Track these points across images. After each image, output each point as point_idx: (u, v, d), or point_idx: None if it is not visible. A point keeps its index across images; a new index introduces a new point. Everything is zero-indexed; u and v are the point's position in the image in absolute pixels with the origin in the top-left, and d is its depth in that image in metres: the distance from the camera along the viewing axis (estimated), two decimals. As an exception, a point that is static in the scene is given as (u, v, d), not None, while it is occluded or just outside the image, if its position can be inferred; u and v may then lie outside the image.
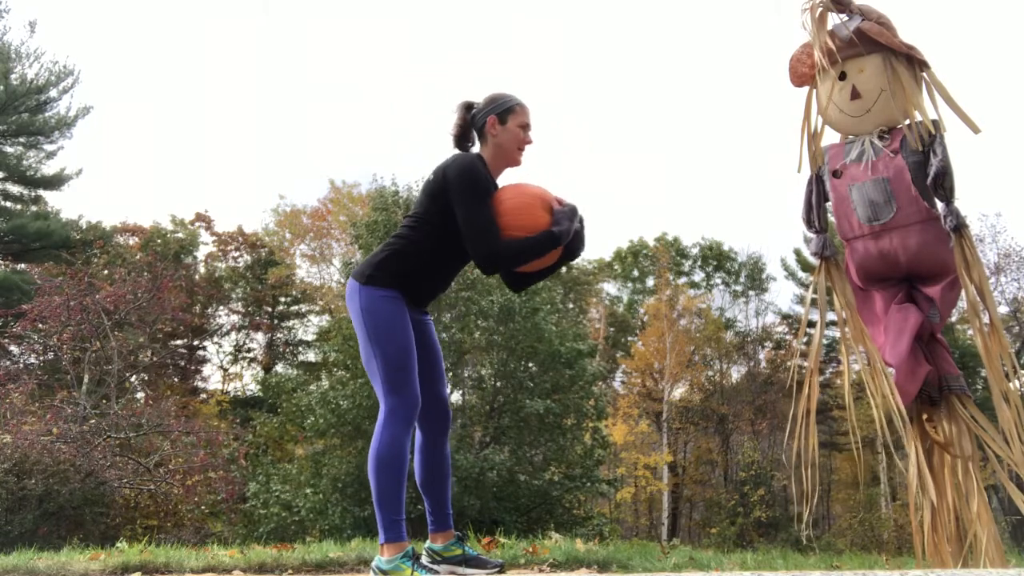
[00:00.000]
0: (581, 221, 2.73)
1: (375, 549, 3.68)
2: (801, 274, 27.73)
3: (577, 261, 29.61)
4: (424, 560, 2.70)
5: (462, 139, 2.84)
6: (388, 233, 14.36)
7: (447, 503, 2.81)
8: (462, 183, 2.62)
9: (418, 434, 2.79)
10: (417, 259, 2.69)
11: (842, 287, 3.55)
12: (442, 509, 2.79)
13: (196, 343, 24.13)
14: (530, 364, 14.37)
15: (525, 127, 2.80)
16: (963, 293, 3.27)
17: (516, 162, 2.82)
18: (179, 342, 23.48)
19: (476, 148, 2.85)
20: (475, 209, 2.60)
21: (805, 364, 3.59)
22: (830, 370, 24.58)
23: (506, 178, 2.85)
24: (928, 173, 3.25)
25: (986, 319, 3.24)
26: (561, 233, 2.63)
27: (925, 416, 3.40)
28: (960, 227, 3.21)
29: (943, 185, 3.21)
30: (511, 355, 14.04)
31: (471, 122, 2.82)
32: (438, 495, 2.79)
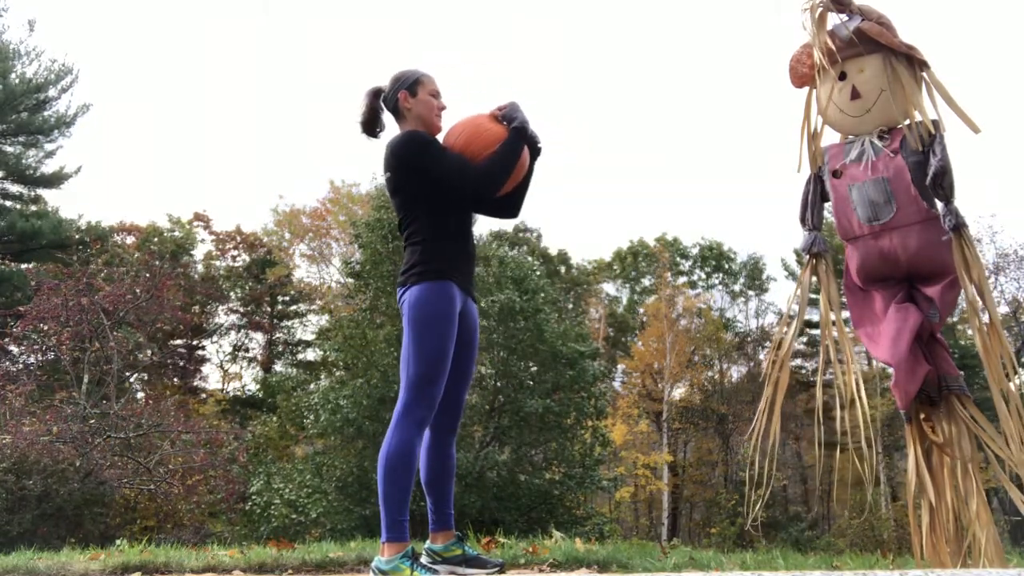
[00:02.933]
0: (520, 108, 2.82)
1: (375, 549, 3.67)
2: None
3: (577, 260, 29.55)
4: (424, 560, 2.70)
5: (371, 124, 2.90)
6: (390, 231, 14.37)
7: (449, 503, 2.81)
8: (413, 148, 2.70)
9: (427, 432, 2.79)
10: (439, 239, 2.70)
11: (828, 286, 3.57)
12: (444, 508, 2.79)
13: (195, 343, 24.12)
14: (531, 364, 14.38)
15: (436, 94, 2.88)
16: (963, 292, 3.28)
17: (437, 128, 2.87)
18: (178, 341, 23.48)
19: (394, 131, 2.88)
20: (438, 160, 2.68)
21: (805, 364, 3.59)
22: (831, 370, 24.59)
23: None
24: (928, 173, 3.25)
25: (986, 319, 3.24)
26: (523, 123, 2.74)
27: (923, 416, 3.41)
28: (960, 226, 3.22)
29: (942, 184, 3.21)
30: (511, 354, 14.05)
31: (382, 106, 2.88)
32: (441, 494, 2.80)
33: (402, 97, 2.83)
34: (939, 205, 3.28)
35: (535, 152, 2.89)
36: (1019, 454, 3.07)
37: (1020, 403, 3.14)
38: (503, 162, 2.70)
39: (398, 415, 2.59)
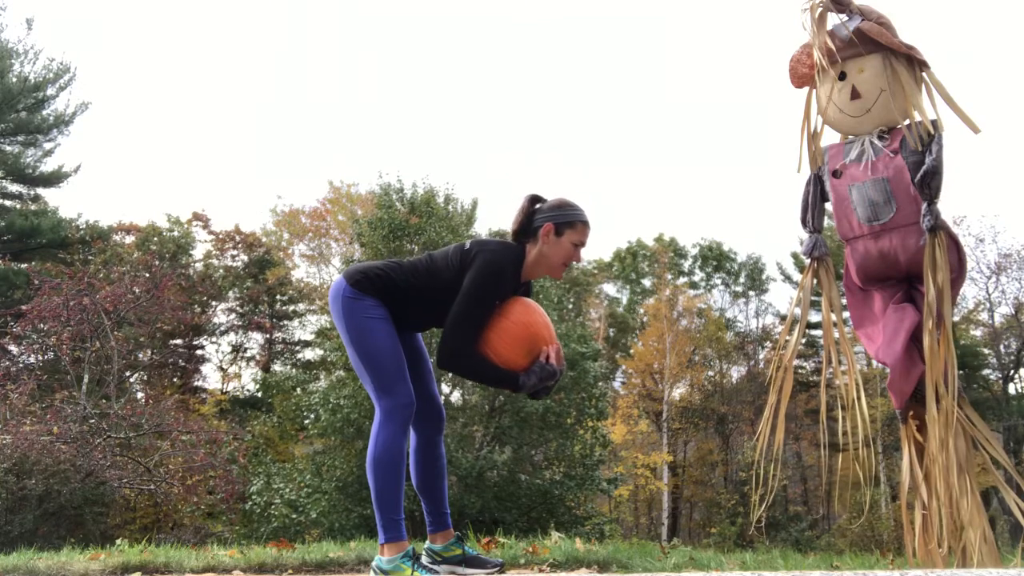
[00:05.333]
0: (556, 380, 2.66)
1: (375, 549, 3.67)
2: (797, 277, 27.77)
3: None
4: (424, 560, 2.70)
5: (522, 234, 2.73)
6: (392, 231, 14.37)
7: (444, 503, 2.81)
8: (480, 278, 2.57)
9: (412, 435, 2.79)
10: (406, 296, 2.67)
11: (829, 289, 3.58)
12: (440, 509, 2.80)
13: (195, 343, 24.11)
14: (531, 364, 14.35)
15: (579, 245, 2.70)
16: (943, 295, 3.29)
17: (557, 276, 2.75)
18: (178, 341, 23.46)
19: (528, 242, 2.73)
20: (473, 308, 2.56)
21: (804, 364, 3.62)
22: (831, 370, 24.62)
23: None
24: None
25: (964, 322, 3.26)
26: (523, 386, 2.58)
27: (911, 414, 3.42)
28: (936, 229, 3.23)
29: (930, 184, 3.22)
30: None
31: (531, 217, 2.72)
32: (435, 496, 2.80)
33: (545, 228, 2.66)
34: (922, 205, 3.28)
35: (529, 395, 2.69)
36: (936, 454, 3.10)
37: (951, 408, 3.16)
38: (478, 376, 2.62)
39: (378, 417, 2.59)
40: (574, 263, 2.75)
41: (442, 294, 2.64)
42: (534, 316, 2.65)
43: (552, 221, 2.67)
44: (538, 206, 2.73)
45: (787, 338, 3.70)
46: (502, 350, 2.58)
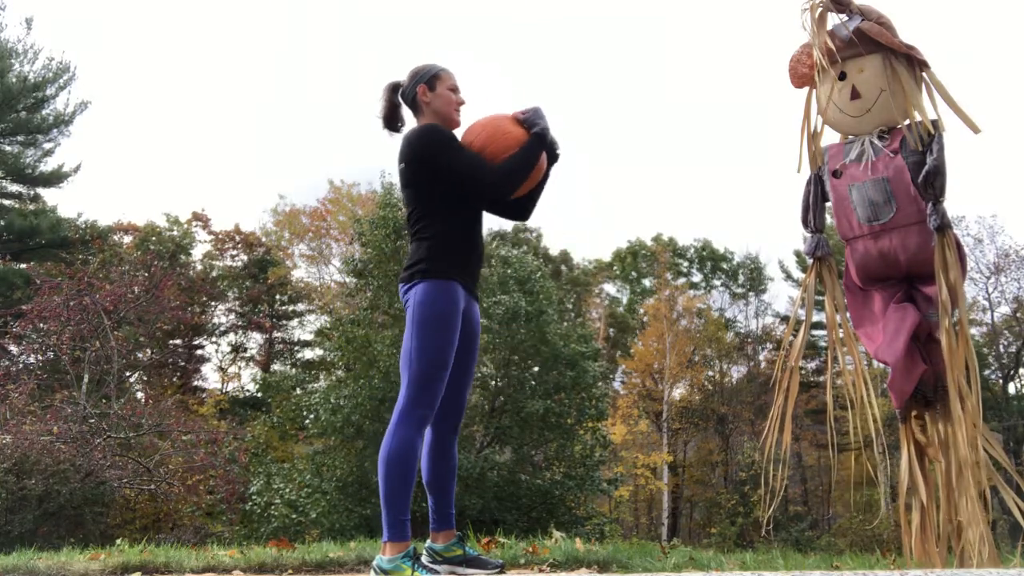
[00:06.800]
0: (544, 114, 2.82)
1: (375, 549, 3.68)
2: (799, 276, 27.78)
3: (576, 260, 29.57)
4: (424, 560, 2.70)
5: (392, 120, 2.89)
6: (395, 229, 14.37)
7: (451, 502, 2.81)
8: (430, 142, 2.69)
9: (428, 432, 2.79)
10: (448, 237, 2.70)
11: (833, 288, 3.57)
12: (445, 508, 2.79)
13: (194, 343, 24.11)
14: (532, 365, 14.36)
15: (455, 89, 2.86)
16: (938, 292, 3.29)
17: (456, 123, 2.87)
18: (178, 341, 23.46)
19: (410, 125, 2.88)
20: (455, 156, 2.68)
21: (805, 365, 3.63)
22: (836, 369, 24.66)
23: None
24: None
25: (962, 321, 3.26)
26: (544, 129, 2.73)
27: (914, 413, 3.42)
28: (944, 228, 3.22)
29: (933, 184, 3.21)
30: (513, 354, 14.04)
31: (401, 100, 2.88)
32: (443, 494, 2.80)
33: (420, 91, 2.81)
34: (927, 205, 3.28)
35: (553, 158, 2.88)
36: (967, 454, 3.09)
37: (976, 407, 3.15)
38: (521, 166, 2.70)
39: (399, 414, 2.58)
40: (462, 106, 2.87)
41: (444, 199, 2.70)
42: (480, 119, 2.82)
43: (420, 83, 2.82)
44: (400, 89, 2.88)
45: (791, 338, 3.70)
46: (504, 142, 2.72)
